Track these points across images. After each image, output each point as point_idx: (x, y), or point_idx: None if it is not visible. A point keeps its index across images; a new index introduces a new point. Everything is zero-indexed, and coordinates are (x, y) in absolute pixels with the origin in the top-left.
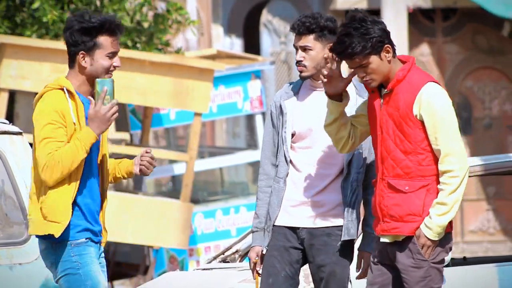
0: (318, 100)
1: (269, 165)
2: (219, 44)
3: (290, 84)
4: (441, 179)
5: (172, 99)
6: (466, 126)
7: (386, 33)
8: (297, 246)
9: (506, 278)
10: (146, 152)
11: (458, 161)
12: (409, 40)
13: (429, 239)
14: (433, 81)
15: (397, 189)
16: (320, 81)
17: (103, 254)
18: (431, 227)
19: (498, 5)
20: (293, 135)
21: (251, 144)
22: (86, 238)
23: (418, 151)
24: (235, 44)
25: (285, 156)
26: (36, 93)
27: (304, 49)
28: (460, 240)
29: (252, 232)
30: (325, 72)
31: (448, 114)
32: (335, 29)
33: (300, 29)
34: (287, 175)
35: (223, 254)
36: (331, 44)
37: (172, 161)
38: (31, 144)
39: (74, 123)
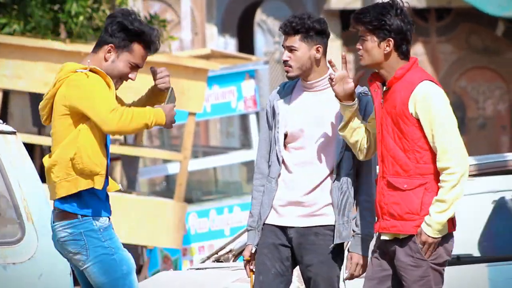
0: (309, 101)
1: (265, 163)
2: (213, 44)
3: (285, 84)
4: (441, 177)
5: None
6: (460, 126)
7: (401, 32)
8: (286, 244)
9: (499, 278)
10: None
11: (455, 158)
12: None
13: (429, 236)
14: (430, 80)
15: (396, 187)
16: (310, 82)
17: None
18: (430, 224)
19: (491, 5)
20: (286, 135)
21: (245, 143)
22: (108, 218)
23: (416, 149)
24: (229, 44)
25: (277, 156)
26: (30, 93)
27: (290, 49)
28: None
29: (247, 230)
30: (332, 75)
31: (444, 111)
32: (322, 30)
33: (287, 29)
34: (279, 176)
35: (217, 253)
36: (318, 46)
37: (166, 161)
38: (25, 144)
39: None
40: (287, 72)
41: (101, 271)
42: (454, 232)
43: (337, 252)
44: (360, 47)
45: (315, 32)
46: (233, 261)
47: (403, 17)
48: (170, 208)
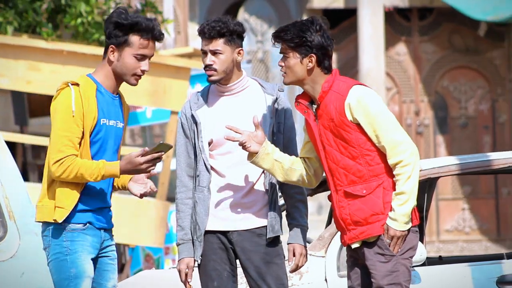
0: (229, 104)
1: (186, 176)
2: (195, 43)
3: (197, 94)
4: (395, 172)
5: (148, 98)
6: (442, 125)
7: (322, 47)
8: (230, 246)
9: (481, 277)
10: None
11: (405, 150)
12: (385, 39)
13: (397, 230)
14: (358, 84)
15: (356, 195)
16: (229, 85)
17: (113, 247)
18: (396, 218)
19: (474, 9)
20: (209, 143)
21: None
22: (84, 224)
23: (365, 153)
24: None
25: (205, 165)
26: (12, 91)
27: (214, 53)
28: (436, 239)
29: (178, 245)
30: (245, 143)
31: (380, 108)
32: (243, 33)
33: (211, 33)
34: (210, 183)
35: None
36: (240, 49)
37: None
38: (7, 142)
39: (73, 114)
40: (210, 76)
41: (54, 269)
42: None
43: (279, 249)
44: (283, 64)
45: (236, 35)
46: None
47: (323, 33)
48: (153, 206)
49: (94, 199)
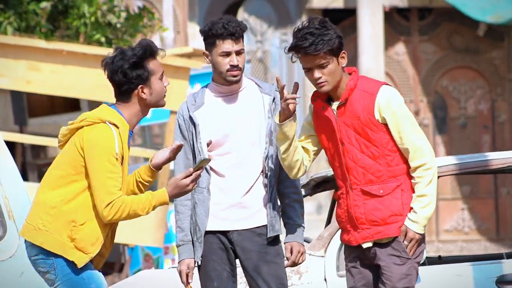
0: (229, 105)
1: None
2: (195, 42)
3: (193, 95)
4: (415, 174)
5: None
6: (441, 125)
7: (342, 41)
8: (230, 246)
9: (480, 277)
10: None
11: (427, 153)
12: (385, 39)
13: (416, 233)
14: (386, 84)
15: (373, 194)
16: (227, 86)
17: None
18: (417, 220)
19: (474, 9)
20: (208, 144)
21: None
22: None
23: (386, 153)
24: None
25: None
26: (12, 91)
27: (239, 52)
28: (435, 239)
29: (178, 246)
30: (296, 96)
31: (406, 111)
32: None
33: (237, 34)
34: (209, 184)
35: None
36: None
37: (147, 159)
38: (6, 142)
39: (117, 156)
40: (236, 76)
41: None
42: None
43: (279, 249)
44: (320, 75)
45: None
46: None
47: (332, 26)
48: None
49: None
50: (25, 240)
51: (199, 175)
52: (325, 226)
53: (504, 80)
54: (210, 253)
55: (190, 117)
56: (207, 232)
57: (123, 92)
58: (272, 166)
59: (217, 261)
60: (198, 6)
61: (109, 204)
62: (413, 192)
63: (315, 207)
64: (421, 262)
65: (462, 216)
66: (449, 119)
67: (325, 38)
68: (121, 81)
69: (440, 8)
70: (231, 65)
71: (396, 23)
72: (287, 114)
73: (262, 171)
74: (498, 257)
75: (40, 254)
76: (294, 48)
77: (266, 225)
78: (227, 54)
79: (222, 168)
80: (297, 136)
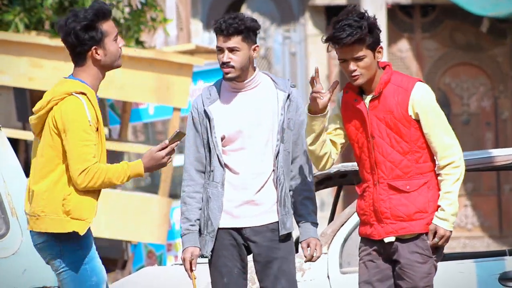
0: (244, 101)
1: (194, 170)
2: (198, 39)
3: (209, 88)
4: (443, 171)
5: (151, 94)
6: None
7: (379, 34)
8: (242, 243)
9: (483, 274)
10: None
11: (457, 152)
12: (387, 36)
13: (447, 230)
14: (420, 81)
15: (400, 190)
16: (244, 82)
17: None
18: (446, 218)
19: (476, 4)
20: (222, 139)
21: None
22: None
23: (415, 150)
24: (214, 40)
25: (219, 160)
26: (15, 88)
27: (232, 50)
28: None
29: (182, 235)
30: (320, 90)
31: (439, 109)
32: (258, 29)
33: (229, 30)
34: (224, 180)
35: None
36: (256, 45)
37: None
38: (9, 139)
39: (90, 123)
40: (227, 73)
41: (71, 278)
42: None
43: (292, 246)
44: (355, 68)
45: (253, 32)
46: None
47: (370, 18)
48: (155, 203)
49: None
50: (30, 231)
51: (174, 149)
52: (328, 223)
53: (507, 77)
54: (221, 249)
55: (205, 111)
56: (219, 228)
57: (77, 54)
58: (282, 163)
59: (228, 257)
60: (201, 3)
61: (83, 171)
62: (439, 190)
63: (318, 204)
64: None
65: (465, 213)
66: (452, 116)
67: (362, 30)
68: (74, 43)
69: (443, 5)
70: (222, 62)
71: (398, 20)
72: (315, 107)
73: (273, 169)
74: (501, 254)
75: (46, 241)
76: (332, 39)
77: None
78: (220, 50)
79: (235, 165)
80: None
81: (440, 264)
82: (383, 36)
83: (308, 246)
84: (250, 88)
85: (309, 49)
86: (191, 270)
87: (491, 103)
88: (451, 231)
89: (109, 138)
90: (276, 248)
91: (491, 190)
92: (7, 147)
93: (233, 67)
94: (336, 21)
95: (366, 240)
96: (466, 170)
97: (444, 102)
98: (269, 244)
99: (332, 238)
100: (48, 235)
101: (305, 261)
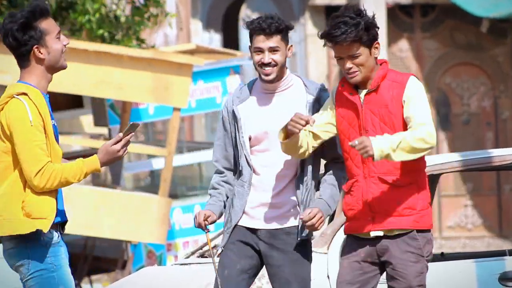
0: (273, 103)
1: (221, 167)
2: (198, 39)
3: (241, 88)
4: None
5: (150, 94)
6: (444, 122)
7: (377, 31)
8: (253, 245)
9: (483, 274)
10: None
11: (431, 125)
12: (387, 35)
13: (372, 148)
14: (413, 75)
15: (390, 184)
16: (277, 83)
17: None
18: (380, 141)
19: (476, 6)
20: (249, 139)
21: None
22: (57, 235)
23: None
24: (214, 39)
25: (247, 160)
26: None
27: (273, 50)
28: (438, 236)
29: (211, 196)
30: (305, 123)
31: (425, 99)
32: (292, 29)
33: (271, 29)
34: (251, 179)
35: (201, 249)
36: (291, 45)
37: (150, 156)
38: None
39: (32, 124)
40: (269, 74)
41: (38, 286)
42: None
43: (308, 252)
44: (351, 65)
45: (288, 31)
46: (218, 256)
47: (367, 15)
48: (155, 203)
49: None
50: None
51: (129, 141)
52: (328, 223)
53: (507, 77)
54: (231, 242)
55: (233, 111)
56: (236, 226)
57: (20, 56)
58: (309, 168)
59: (234, 250)
60: (201, 3)
61: (39, 171)
62: (429, 189)
63: None
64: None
65: (465, 213)
66: (452, 115)
67: (358, 28)
68: (13, 44)
69: (443, 5)
70: (262, 63)
71: (399, 20)
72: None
73: (296, 173)
74: (501, 253)
75: (15, 247)
76: (326, 37)
77: (297, 225)
78: (260, 50)
79: (258, 166)
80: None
81: (440, 264)
82: (383, 36)
83: (310, 213)
84: (281, 89)
85: (309, 49)
86: (206, 228)
87: (492, 103)
88: (373, 154)
89: (109, 138)
90: (290, 251)
91: (491, 190)
92: None
93: (273, 67)
94: (333, 17)
95: (353, 239)
96: (467, 170)
97: (445, 102)
98: (283, 247)
99: (332, 238)
100: (18, 241)
101: (303, 222)
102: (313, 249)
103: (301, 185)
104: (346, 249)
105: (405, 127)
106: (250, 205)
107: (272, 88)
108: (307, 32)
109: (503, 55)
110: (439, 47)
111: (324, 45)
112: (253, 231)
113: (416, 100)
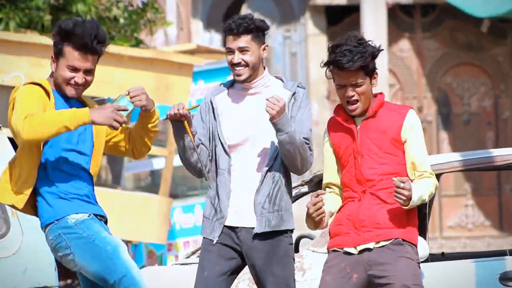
0: (249, 100)
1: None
2: (198, 39)
3: (220, 85)
4: (418, 175)
5: (151, 94)
6: (445, 122)
7: (375, 61)
8: (233, 246)
9: (483, 274)
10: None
11: (429, 168)
12: (388, 35)
13: (411, 196)
14: (412, 108)
15: (382, 200)
16: (251, 82)
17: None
18: (418, 194)
19: (476, 6)
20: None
21: None
22: (88, 214)
23: (399, 172)
24: (215, 39)
25: (223, 147)
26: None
27: (242, 50)
28: (439, 236)
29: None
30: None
31: (422, 137)
32: (266, 30)
33: (239, 29)
34: (230, 166)
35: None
36: (265, 45)
37: (151, 156)
38: (10, 139)
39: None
40: (239, 75)
41: (88, 259)
42: None
43: (290, 252)
44: (354, 93)
45: (262, 32)
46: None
47: (369, 44)
48: (155, 203)
49: (70, 193)
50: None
51: (119, 108)
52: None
53: (508, 76)
54: (212, 245)
55: (211, 101)
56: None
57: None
58: (280, 162)
59: (214, 252)
60: (201, 2)
61: (25, 118)
62: (417, 210)
63: None
64: (422, 257)
65: (466, 213)
66: (453, 115)
67: (365, 55)
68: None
69: (444, 5)
70: (232, 63)
71: (399, 19)
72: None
73: (268, 169)
74: (501, 253)
75: (53, 240)
76: (332, 63)
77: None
78: (230, 50)
79: (234, 162)
80: None
81: (440, 264)
82: (384, 36)
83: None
84: (258, 90)
85: (310, 49)
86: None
87: (492, 102)
88: (410, 199)
89: None
90: (271, 251)
91: (492, 190)
92: (7, 147)
93: (244, 67)
94: (335, 45)
95: (337, 254)
96: (468, 170)
97: (445, 102)
98: (263, 247)
99: None
100: (52, 235)
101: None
102: (314, 249)
103: (268, 178)
104: (329, 265)
105: (401, 153)
106: (230, 203)
107: (248, 87)
108: (307, 32)
109: (504, 55)
110: (440, 47)
111: (327, 75)
112: (233, 229)
113: (418, 139)
